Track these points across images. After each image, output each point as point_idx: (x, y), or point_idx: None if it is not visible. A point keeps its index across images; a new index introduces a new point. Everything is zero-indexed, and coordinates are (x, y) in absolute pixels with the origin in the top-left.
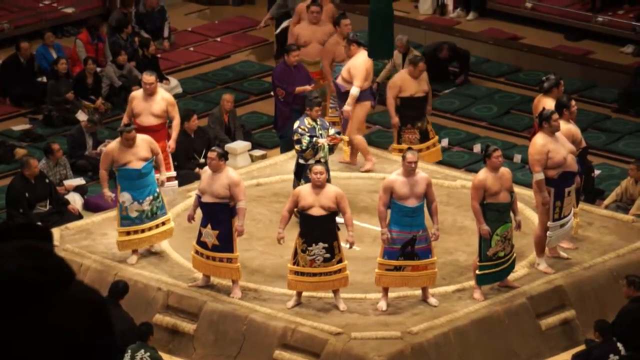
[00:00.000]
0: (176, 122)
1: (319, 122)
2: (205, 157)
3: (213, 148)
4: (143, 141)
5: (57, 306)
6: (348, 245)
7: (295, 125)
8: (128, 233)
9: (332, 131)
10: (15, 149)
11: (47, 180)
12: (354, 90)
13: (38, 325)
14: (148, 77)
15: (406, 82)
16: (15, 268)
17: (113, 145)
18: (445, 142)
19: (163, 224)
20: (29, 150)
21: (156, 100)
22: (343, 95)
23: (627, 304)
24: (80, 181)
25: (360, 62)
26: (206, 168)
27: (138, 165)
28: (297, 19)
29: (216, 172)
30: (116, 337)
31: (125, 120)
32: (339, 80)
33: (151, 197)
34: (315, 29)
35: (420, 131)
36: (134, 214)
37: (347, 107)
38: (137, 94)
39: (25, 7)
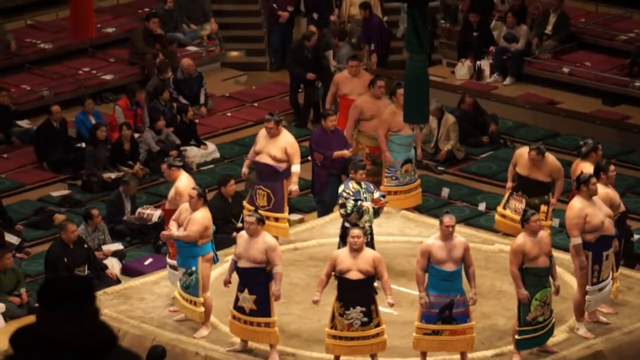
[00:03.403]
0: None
1: (363, 186)
2: (242, 221)
3: (250, 213)
4: (194, 214)
5: None
6: (388, 308)
7: (340, 189)
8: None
9: (376, 194)
10: (54, 215)
11: (85, 246)
12: (297, 168)
13: None
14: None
15: (520, 159)
16: (60, 334)
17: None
18: (483, 206)
19: (195, 304)
20: (68, 216)
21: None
22: (275, 175)
23: None
24: (118, 246)
25: (294, 141)
26: (242, 232)
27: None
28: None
29: (253, 236)
30: None
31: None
32: (270, 162)
33: (183, 270)
34: (380, 103)
35: (529, 204)
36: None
37: (295, 187)
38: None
39: (64, 74)
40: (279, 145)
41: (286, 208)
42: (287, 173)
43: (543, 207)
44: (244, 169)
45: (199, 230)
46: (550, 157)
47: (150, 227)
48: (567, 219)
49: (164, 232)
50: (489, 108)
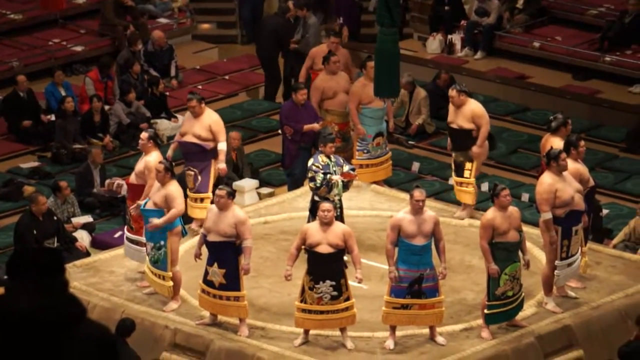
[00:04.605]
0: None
1: (333, 159)
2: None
3: (221, 186)
4: (167, 188)
5: (69, 342)
6: (357, 282)
7: (310, 162)
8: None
9: (346, 168)
10: (24, 187)
11: (55, 218)
12: (223, 146)
13: (49, 359)
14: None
15: (449, 108)
16: (28, 306)
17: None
18: (452, 181)
19: (163, 278)
20: (38, 188)
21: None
22: (202, 154)
23: (631, 341)
24: (88, 219)
25: (218, 118)
26: (212, 206)
27: (145, 203)
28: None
29: (223, 210)
30: None
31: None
32: (196, 140)
33: (152, 244)
34: (338, 78)
35: (455, 162)
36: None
37: (223, 165)
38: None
39: (34, 45)
40: (203, 124)
41: (210, 188)
42: (215, 153)
43: (468, 165)
44: (169, 152)
45: (182, 201)
46: (475, 103)
47: (119, 199)
48: (537, 194)
49: (156, 222)
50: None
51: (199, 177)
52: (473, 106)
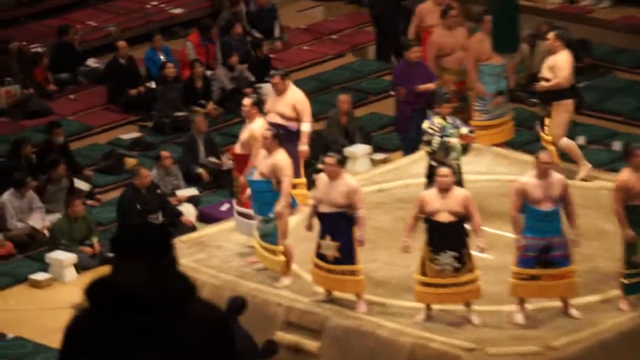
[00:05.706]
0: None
1: (449, 121)
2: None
3: (331, 153)
4: (275, 156)
5: (178, 322)
6: (479, 252)
7: (425, 124)
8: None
9: (464, 130)
10: (125, 159)
11: (158, 191)
12: (307, 127)
13: (159, 340)
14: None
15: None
16: (137, 286)
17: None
18: (582, 139)
19: (274, 253)
20: (140, 160)
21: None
22: (288, 136)
23: None
24: (193, 191)
25: (303, 96)
26: (322, 175)
27: (252, 173)
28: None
29: (333, 179)
30: (238, 355)
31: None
32: (280, 121)
33: (260, 217)
34: (456, 34)
35: (539, 117)
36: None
37: (305, 147)
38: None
39: (132, 9)
40: (286, 102)
41: (302, 173)
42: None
43: (546, 120)
44: None
45: (291, 169)
46: (563, 55)
47: (225, 171)
48: None
49: (279, 209)
50: (584, 33)
51: None
52: (559, 57)
